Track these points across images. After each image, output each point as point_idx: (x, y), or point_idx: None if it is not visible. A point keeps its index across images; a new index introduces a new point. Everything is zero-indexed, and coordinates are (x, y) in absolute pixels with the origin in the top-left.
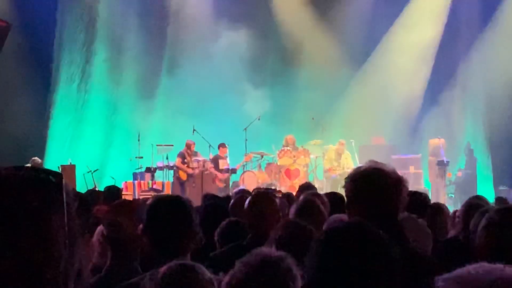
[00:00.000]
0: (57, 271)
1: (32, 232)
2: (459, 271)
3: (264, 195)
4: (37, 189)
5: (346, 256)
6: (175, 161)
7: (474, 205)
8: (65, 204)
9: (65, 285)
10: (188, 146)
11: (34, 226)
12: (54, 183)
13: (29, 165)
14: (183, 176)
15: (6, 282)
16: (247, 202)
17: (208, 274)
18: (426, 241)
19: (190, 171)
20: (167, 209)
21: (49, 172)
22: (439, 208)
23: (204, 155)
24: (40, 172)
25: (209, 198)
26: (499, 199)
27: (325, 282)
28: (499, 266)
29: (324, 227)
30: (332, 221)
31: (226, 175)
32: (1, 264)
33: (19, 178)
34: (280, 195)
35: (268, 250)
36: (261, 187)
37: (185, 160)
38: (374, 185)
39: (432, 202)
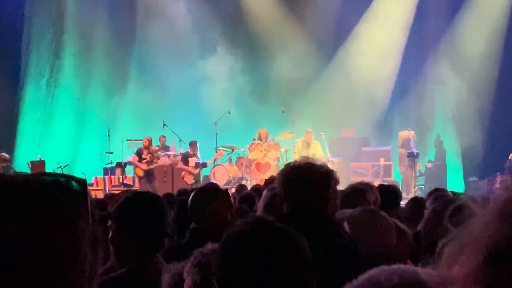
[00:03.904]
0: (83, 273)
1: (59, 234)
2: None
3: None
4: (62, 194)
5: (246, 256)
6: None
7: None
8: (89, 210)
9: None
10: (150, 141)
11: (60, 229)
12: (78, 189)
13: None
14: (139, 173)
15: (34, 281)
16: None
17: None
18: (387, 234)
19: (144, 166)
20: (141, 205)
21: (73, 178)
22: (421, 201)
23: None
24: (65, 178)
25: (181, 194)
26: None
27: (231, 284)
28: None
29: None
30: None
31: (197, 170)
32: (29, 265)
33: (44, 183)
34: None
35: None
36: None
37: (142, 157)
38: (303, 180)
39: (402, 193)
